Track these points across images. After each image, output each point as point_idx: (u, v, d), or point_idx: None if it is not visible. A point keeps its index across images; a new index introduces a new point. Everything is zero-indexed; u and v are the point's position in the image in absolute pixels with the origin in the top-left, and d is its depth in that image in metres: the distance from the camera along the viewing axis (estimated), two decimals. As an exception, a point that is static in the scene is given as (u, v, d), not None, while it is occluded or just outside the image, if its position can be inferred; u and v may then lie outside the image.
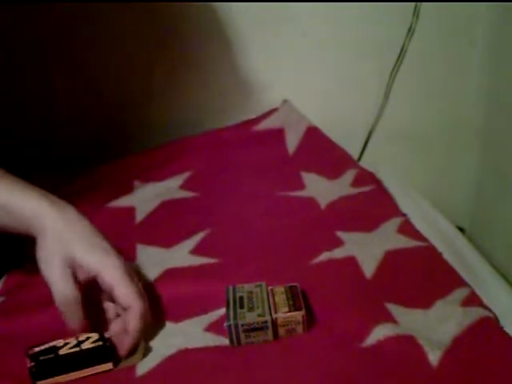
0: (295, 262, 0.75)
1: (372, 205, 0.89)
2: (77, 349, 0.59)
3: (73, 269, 0.61)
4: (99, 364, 0.59)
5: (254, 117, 1.13)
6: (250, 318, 0.62)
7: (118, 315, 0.64)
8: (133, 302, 0.61)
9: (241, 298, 0.65)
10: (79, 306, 0.61)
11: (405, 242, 0.78)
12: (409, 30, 1.16)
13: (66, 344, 0.59)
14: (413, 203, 0.94)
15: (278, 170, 1.01)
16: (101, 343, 0.59)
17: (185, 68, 1.15)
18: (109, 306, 0.64)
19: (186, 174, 1.01)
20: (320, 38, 1.17)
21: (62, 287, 0.60)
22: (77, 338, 0.60)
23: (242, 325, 0.62)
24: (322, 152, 1.05)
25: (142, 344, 0.62)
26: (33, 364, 0.58)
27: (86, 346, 0.59)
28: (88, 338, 0.60)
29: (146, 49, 1.12)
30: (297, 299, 0.64)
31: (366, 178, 0.96)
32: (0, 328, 0.69)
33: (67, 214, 0.65)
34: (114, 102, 1.15)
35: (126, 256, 0.79)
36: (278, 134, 1.09)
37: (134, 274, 0.65)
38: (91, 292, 0.64)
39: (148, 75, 1.15)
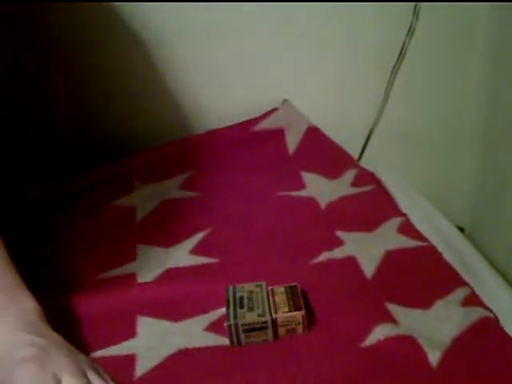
0: (295, 262, 0.75)
1: (372, 205, 0.89)
2: None
3: None
4: None
5: (254, 117, 1.13)
6: (250, 317, 0.62)
7: None
8: None
9: (241, 298, 0.65)
10: None
11: (405, 242, 0.78)
12: (409, 30, 1.16)
13: None
14: (413, 203, 0.94)
15: (278, 169, 1.01)
16: None
17: (185, 68, 1.15)
18: None
19: (186, 174, 1.01)
20: (320, 38, 1.17)
21: None
22: None
23: (242, 325, 0.62)
24: (322, 152, 1.05)
25: None
26: None
27: None
28: None
29: (147, 48, 1.12)
30: (297, 299, 0.64)
31: (366, 178, 0.96)
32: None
33: None
34: (114, 102, 1.15)
35: (126, 256, 0.80)
36: (278, 134, 1.09)
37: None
38: None
39: (148, 75, 1.15)
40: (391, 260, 0.74)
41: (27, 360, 0.52)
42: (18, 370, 0.51)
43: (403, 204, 0.90)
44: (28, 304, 0.60)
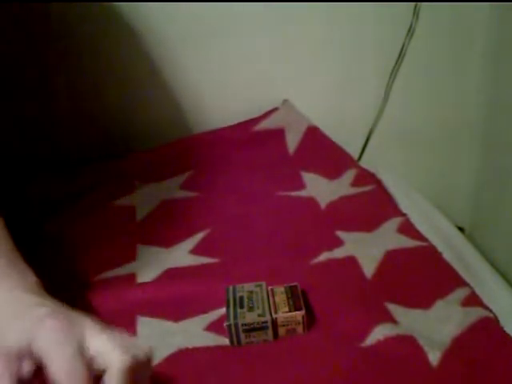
0: (295, 262, 0.75)
1: (372, 205, 0.89)
2: None
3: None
4: None
5: (253, 117, 1.13)
6: (250, 317, 0.62)
7: None
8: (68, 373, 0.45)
9: (241, 298, 0.65)
10: None
11: (405, 242, 0.78)
12: (409, 30, 1.16)
13: None
14: (413, 203, 0.94)
15: (278, 169, 1.01)
16: None
17: (185, 68, 1.15)
18: None
19: (186, 174, 1.01)
20: (320, 38, 1.17)
21: None
22: None
23: (242, 325, 0.62)
24: (322, 152, 1.05)
25: None
26: None
27: None
28: None
29: (147, 48, 1.12)
30: (297, 299, 0.64)
31: (366, 177, 0.96)
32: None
33: None
34: (115, 102, 1.15)
35: (126, 256, 0.80)
36: (278, 134, 1.09)
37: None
38: None
39: (148, 75, 1.15)
40: (391, 260, 0.74)
41: (47, 317, 0.49)
42: (40, 327, 0.48)
43: (403, 204, 0.90)
44: (29, 274, 0.58)
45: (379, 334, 0.61)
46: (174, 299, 0.70)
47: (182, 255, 0.80)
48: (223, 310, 0.65)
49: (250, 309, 0.63)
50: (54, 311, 0.50)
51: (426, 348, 0.59)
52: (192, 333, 0.65)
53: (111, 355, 0.47)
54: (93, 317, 0.51)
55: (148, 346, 0.50)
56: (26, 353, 0.47)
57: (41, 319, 0.48)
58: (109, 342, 0.48)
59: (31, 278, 0.58)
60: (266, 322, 0.62)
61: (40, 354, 0.46)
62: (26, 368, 0.47)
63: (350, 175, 0.96)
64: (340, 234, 0.81)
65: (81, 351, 0.47)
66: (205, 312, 0.68)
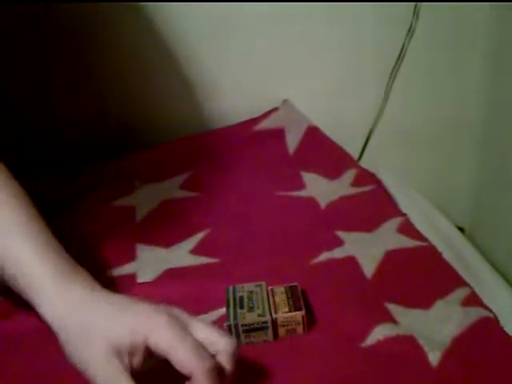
0: (295, 262, 0.75)
1: (372, 205, 0.89)
2: None
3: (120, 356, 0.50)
4: None
5: (253, 117, 1.13)
6: (250, 318, 0.62)
7: None
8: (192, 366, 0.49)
9: (241, 298, 0.65)
10: None
11: (405, 242, 0.78)
12: (409, 30, 1.16)
13: None
14: (413, 203, 0.94)
15: (278, 169, 1.01)
16: None
17: (185, 68, 1.15)
18: None
19: (186, 174, 1.01)
20: (320, 38, 1.17)
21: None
22: None
23: (242, 325, 0.62)
24: (322, 152, 1.05)
25: None
26: None
27: None
28: None
29: (147, 48, 1.12)
30: (297, 299, 0.64)
31: (366, 177, 0.96)
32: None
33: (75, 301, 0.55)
34: (115, 102, 1.15)
35: (126, 256, 0.80)
36: (278, 134, 1.09)
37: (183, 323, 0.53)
38: None
39: (148, 75, 1.15)
40: (391, 260, 0.74)
41: (156, 313, 0.52)
42: (153, 324, 0.51)
43: (403, 204, 0.90)
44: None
45: (379, 334, 0.61)
46: (174, 299, 0.70)
47: (182, 255, 0.80)
48: (223, 310, 0.65)
49: (250, 309, 0.63)
50: (155, 307, 0.53)
51: (426, 348, 0.59)
52: (192, 333, 0.65)
53: (221, 341, 0.52)
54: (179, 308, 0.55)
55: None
56: (140, 348, 0.50)
57: (149, 315, 0.52)
58: (213, 331, 0.53)
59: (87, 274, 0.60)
60: (266, 322, 0.62)
61: (159, 348, 0.50)
62: (136, 361, 0.51)
63: (350, 175, 0.96)
64: (340, 233, 0.81)
65: (197, 341, 0.51)
66: (205, 312, 0.68)
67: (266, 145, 1.08)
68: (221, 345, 0.52)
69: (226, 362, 0.51)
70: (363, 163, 1.09)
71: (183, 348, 0.49)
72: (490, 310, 0.64)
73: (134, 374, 0.50)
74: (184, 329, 0.51)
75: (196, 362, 0.49)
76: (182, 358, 0.49)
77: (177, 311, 0.54)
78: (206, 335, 0.53)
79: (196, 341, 0.51)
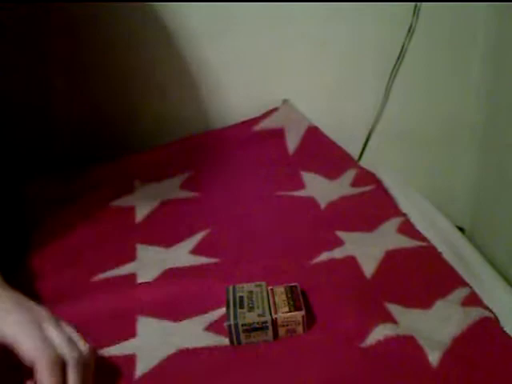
0: (295, 262, 0.75)
1: (372, 205, 0.89)
2: None
3: None
4: None
5: (253, 117, 1.13)
6: (250, 317, 0.62)
7: None
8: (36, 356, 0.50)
9: (241, 298, 0.65)
10: None
11: (405, 242, 0.78)
12: (409, 30, 1.16)
13: None
14: (413, 203, 0.94)
15: (277, 169, 1.01)
16: None
17: (185, 68, 1.15)
18: None
19: (186, 174, 1.01)
20: (320, 38, 1.17)
21: None
22: None
23: (242, 325, 0.62)
24: (322, 152, 1.05)
25: None
26: None
27: None
28: None
29: (147, 48, 1.12)
30: (297, 299, 0.64)
31: (366, 177, 0.96)
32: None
33: None
34: (115, 102, 1.15)
35: (126, 256, 0.80)
36: (278, 134, 1.09)
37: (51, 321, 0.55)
38: None
39: (147, 75, 1.15)
40: (391, 260, 0.74)
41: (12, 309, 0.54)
42: (5, 320, 0.53)
43: (403, 204, 0.90)
44: None
45: (379, 334, 0.61)
46: (174, 299, 0.70)
47: (182, 255, 0.80)
48: (223, 310, 0.65)
49: (250, 309, 0.63)
50: (18, 303, 0.55)
51: (426, 348, 0.59)
52: (192, 333, 0.65)
53: (64, 349, 0.53)
54: (47, 310, 0.56)
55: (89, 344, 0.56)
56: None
57: (8, 311, 0.54)
58: (60, 335, 0.54)
59: None
60: (266, 322, 0.62)
61: (9, 342, 0.52)
62: None
63: (349, 175, 0.96)
64: (340, 233, 0.81)
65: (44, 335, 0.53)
66: (205, 312, 0.68)
67: (266, 145, 1.08)
68: (63, 353, 0.52)
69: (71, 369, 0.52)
70: (363, 163, 1.09)
71: (28, 340, 0.51)
72: (490, 310, 0.64)
73: None
74: (35, 324, 0.53)
75: (41, 350, 0.50)
76: (26, 347, 0.51)
77: (37, 308, 0.56)
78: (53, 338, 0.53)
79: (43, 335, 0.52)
